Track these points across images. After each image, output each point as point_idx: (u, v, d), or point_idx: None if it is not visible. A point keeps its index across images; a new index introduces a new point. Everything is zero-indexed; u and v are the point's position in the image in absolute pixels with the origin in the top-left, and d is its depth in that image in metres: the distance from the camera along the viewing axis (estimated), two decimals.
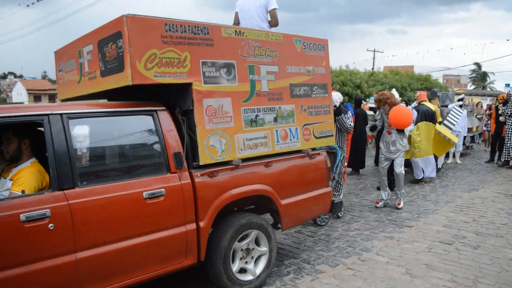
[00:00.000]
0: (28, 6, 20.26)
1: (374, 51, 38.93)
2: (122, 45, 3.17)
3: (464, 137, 12.66)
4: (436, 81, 27.73)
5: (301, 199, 4.27)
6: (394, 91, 9.25)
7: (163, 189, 3.27)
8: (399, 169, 6.72)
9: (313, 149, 4.57)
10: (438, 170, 10.17)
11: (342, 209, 6.27)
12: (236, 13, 5.11)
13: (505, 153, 10.82)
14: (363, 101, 12.41)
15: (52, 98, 56.27)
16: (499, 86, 43.95)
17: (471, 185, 8.75)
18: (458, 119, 9.70)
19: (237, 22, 5.10)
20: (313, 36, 4.53)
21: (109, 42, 3.33)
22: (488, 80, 50.18)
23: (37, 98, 59.06)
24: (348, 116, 6.43)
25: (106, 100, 4.45)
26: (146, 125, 3.43)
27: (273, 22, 4.94)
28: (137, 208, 3.12)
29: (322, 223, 5.84)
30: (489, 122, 13.95)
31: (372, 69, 33.76)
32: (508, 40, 66.43)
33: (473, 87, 49.45)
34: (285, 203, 4.10)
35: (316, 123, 4.54)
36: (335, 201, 4.70)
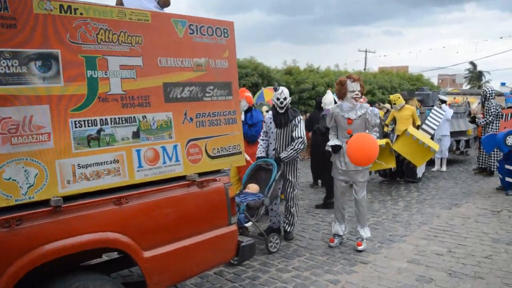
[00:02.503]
0: None
1: (366, 51, 37.66)
2: None
3: (458, 142, 11.25)
4: (428, 81, 26.43)
5: (183, 246, 3.00)
6: (329, 93, 7.48)
7: None
8: (361, 194, 5.03)
9: (214, 172, 3.32)
10: (418, 179, 8.93)
11: (278, 242, 4.98)
12: None
13: (482, 159, 9.65)
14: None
15: None
16: (495, 85, 42.60)
17: (453, 199, 7.48)
18: (438, 122, 8.40)
19: (119, 2, 3.86)
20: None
21: None
22: (484, 79, 48.75)
23: None
24: (297, 122, 5.12)
25: None
26: None
27: (163, 0, 3.71)
28: None
29: (235, 261, 4.47)
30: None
31: (364, 69, 32.51)
32: (501, 37, 65.69)
33: (468, 86, 48.07)
34: (152, 256, 2.82)
35: (212, 137, 3.27)
36: (242, 244, 3.42)
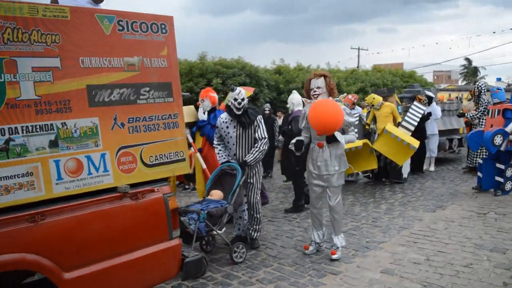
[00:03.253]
0: None
1: (359, 49, 37.33)
2: None
3: (451, 140, 10.91)
4: (421, 77, 26.13)
5: (114, 265, 2.71)
6: (294, 92, 7.15)
7: None
8: (335, 200, 4.65)
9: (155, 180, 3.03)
10: (404, 180, 8.63)
11: (243, 251, 4.67)
12: None
13: (471, 158, 9.32)
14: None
15: None
16: (490, 80, 42.23)
17: (438, 201, 7.18)
18: (418, 117, 8.08)
19: (54, 0, 3.57)
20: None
21: None
22: (479, 75, 48.45)
23: None
24: (259, 122, 4.83)
25: None
26: None
27: None
28: None
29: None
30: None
31: (357, 67, 32.20)
32: (494, 32, 65.53)
33: (464, 82, 47.74)
34: (75, 277, 2.53)
35: (148, 143, 2.98)
36: (186, 260, 3.12)
